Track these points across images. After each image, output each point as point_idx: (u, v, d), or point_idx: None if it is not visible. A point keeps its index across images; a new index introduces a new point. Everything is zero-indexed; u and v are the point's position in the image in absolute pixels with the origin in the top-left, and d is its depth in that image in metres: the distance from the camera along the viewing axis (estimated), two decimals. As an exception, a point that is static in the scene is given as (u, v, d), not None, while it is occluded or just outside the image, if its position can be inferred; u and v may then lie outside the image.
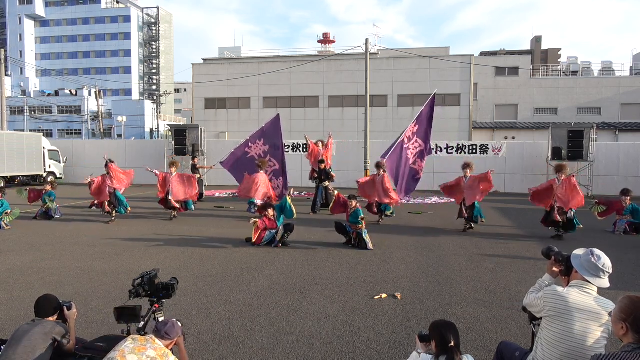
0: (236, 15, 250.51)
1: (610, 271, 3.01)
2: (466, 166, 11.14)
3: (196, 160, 17.93)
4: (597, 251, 3.04)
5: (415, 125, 13.53)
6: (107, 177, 11.83)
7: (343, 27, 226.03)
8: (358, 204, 9.37)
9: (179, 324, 3.28)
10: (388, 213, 12.30)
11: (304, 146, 23.18)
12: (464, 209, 10.92)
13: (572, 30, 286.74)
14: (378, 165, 12.03)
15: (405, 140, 13.22)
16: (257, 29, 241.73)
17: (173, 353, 3.14)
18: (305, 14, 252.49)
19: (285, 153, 22.89)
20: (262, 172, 12.59)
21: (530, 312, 3.25)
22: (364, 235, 8.89)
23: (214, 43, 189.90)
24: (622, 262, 7.91)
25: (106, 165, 11.94)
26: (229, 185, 20.13)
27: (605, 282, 2.99)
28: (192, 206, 12.70)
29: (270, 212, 9.16)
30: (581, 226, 10.43)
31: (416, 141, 13.56)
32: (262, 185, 12.37)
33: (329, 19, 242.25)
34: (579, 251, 3.15)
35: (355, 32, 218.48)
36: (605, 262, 2.98)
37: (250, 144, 13.97)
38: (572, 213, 9.91)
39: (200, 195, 16.80)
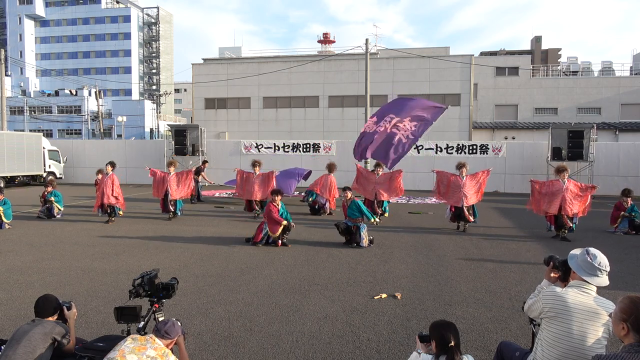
0: (235, 15, 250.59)
1: (608, 269, 3.00)
2: (461, 166, 11.09)
3: (206, 165, 17.86)
4: (592, 250, 3.04)
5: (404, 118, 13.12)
6: (106, 183, 11.84)
7: (342, 26, 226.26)
8: (354, 196, 9.43)
9: (179, 323, 3.27)
10: (386, 215, 12.32)
11: (304, 146, 23.21)
12: (466, 212, 10.79)
13: (571, 29, 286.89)
14: (378, 165, 12.20)
15: (372, 127, 12.69)
16: (256, 29, 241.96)
17: (173, 352, 3.14)
18: (304, 14, 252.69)
19: (285, 153, 23.15)
20: (258, 171, 12.73)
21: (531, 317, 3.24)
22: (361, 231, 8.86)
23: (214, 43, 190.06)
24: (622, 262, 7.91)
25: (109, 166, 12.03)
26: (228, 186, 20.11)
27: (603, 281, 2.98)
28: (179, 212, 12.62)
29: (278, 199, 9.04)
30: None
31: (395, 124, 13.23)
32: (261, 184, 12.51)
33: (327, 18, 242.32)
34: (575, 251, 3.14)
35: (354, 31, 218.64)
36: (602, 260, 2.97)
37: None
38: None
39: (198, 197, 16.78)
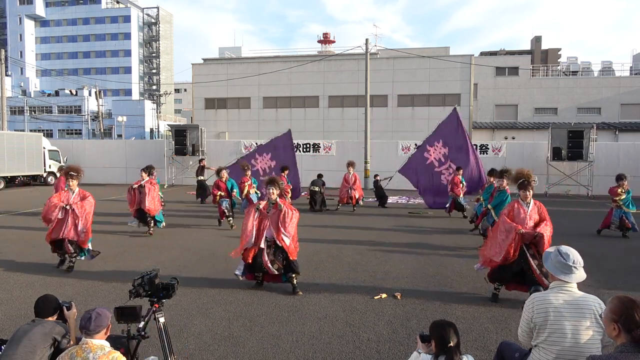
0: (233, 15, 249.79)
1: (582, 263, 3.06)
2: (525, 183, 5.82)
3: (204, 162, 17.58)
4: (564, 249, 3.09)
5: (444, 147, 14.06)
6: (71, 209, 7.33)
7: (340, 26, 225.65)
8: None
9: (102, 309, 3.12)
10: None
11: (304, 146, 23.21)
12: (533, 266, 5.41)
13: (571, 29, 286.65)
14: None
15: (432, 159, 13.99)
16: (254, 29, 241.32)
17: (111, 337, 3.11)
18: (302, 14, 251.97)
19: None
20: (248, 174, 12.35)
21: (525, 340, 3.12)
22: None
23: (213, 43, 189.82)
24: (621, 262, 7.93)
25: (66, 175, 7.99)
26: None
27: (580, 276, 3.03)
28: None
29: (224, 174, 11.00)
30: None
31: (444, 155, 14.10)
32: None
33: (325, 18, 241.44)
34: (550, 249, 3.20)
35: (352, 31, 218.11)
36: (574, 257, 3.04)
37: (257, 156, 14.69)
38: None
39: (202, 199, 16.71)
